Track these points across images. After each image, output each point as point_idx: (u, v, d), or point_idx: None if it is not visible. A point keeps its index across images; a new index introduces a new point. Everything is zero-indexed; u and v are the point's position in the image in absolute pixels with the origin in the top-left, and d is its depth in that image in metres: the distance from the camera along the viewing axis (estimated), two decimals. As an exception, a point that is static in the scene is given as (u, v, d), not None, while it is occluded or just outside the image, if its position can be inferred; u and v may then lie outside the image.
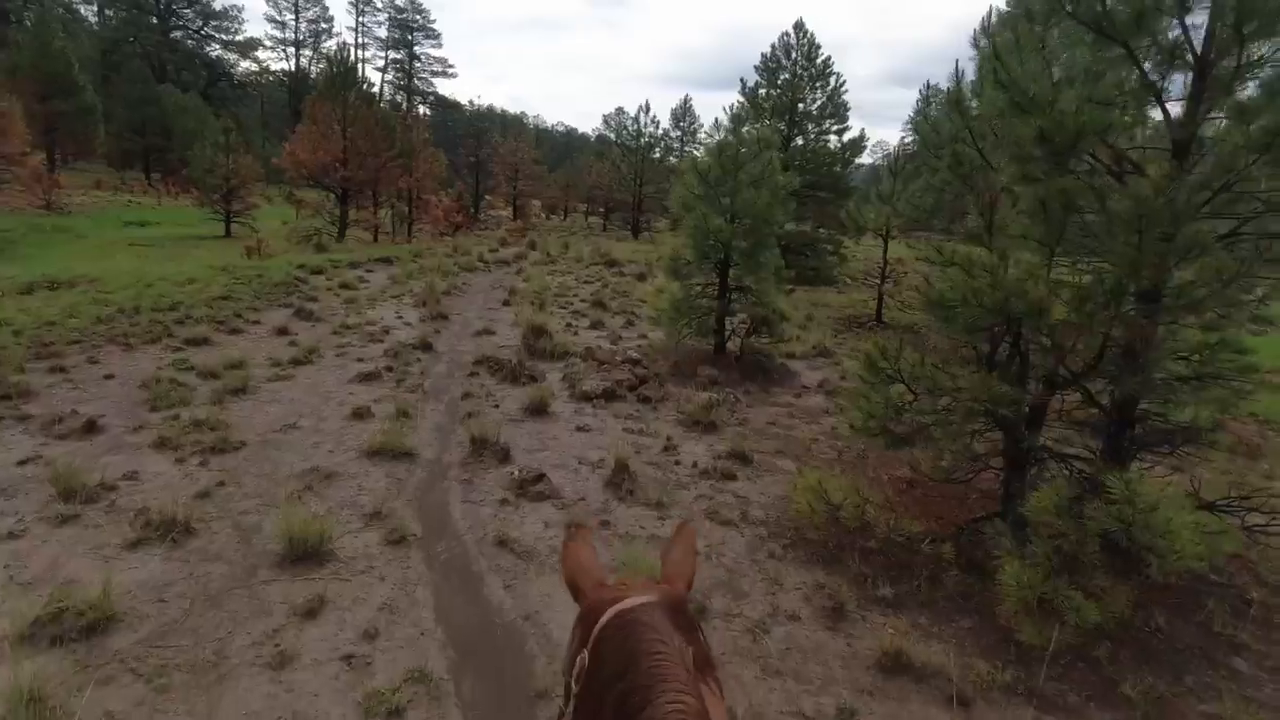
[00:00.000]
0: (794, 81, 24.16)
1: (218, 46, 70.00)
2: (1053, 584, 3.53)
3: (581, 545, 1.17)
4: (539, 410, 7.35)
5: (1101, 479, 3.71)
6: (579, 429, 7.03)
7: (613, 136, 53.42)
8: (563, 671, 1.02)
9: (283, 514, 4.33)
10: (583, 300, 15.13)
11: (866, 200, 15.68)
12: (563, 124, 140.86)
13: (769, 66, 24.77)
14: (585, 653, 0.93)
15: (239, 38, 70.54)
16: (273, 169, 31.84)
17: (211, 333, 9.10)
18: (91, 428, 5.81)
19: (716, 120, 25.23)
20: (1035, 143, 4.50)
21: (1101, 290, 4.10)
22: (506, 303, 14.24)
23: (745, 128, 9.75)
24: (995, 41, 4.73)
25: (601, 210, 49.35)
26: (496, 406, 7.53)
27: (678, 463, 6.39)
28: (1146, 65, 4.56)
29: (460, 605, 3.94)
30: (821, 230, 23.57)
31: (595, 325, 12.25)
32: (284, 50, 79.62)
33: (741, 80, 25.08)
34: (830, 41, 23.86)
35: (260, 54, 77.95)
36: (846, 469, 6.61)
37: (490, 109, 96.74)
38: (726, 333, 10.24)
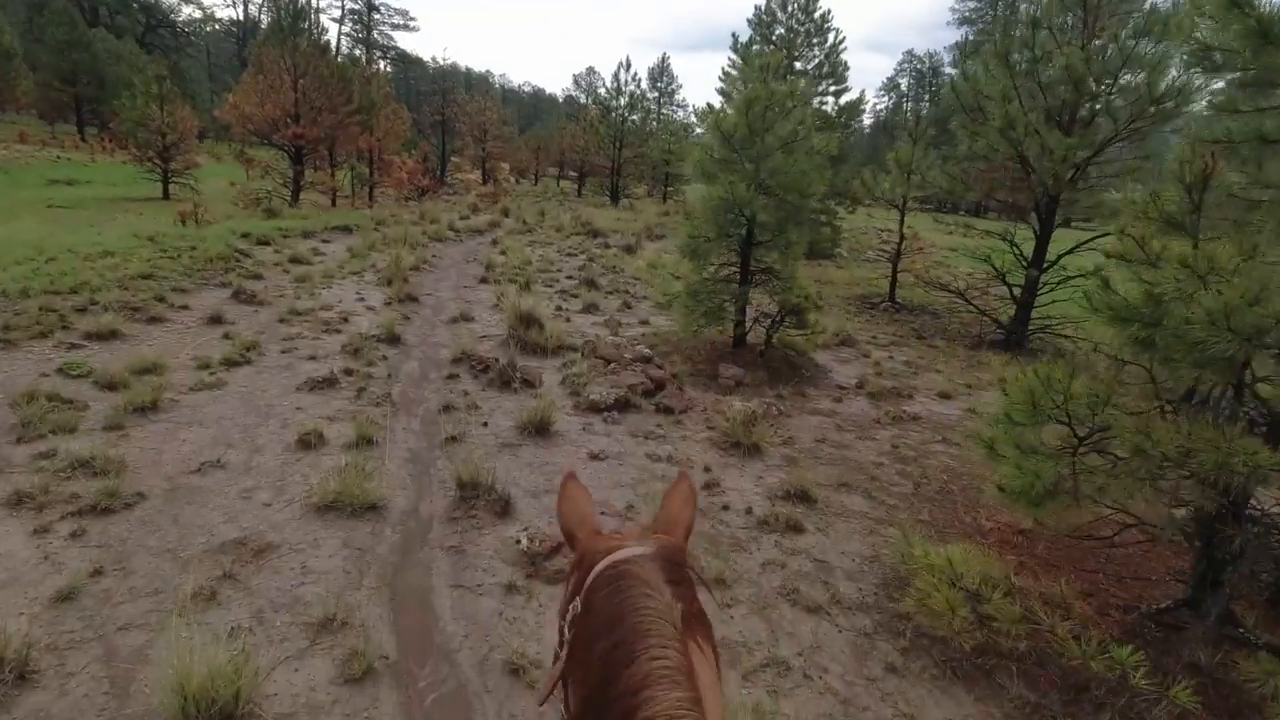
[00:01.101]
0: (789, 37, 22.43)
1: (156, -11, 64.64)
2: None
3: (580, 490, 1.14)
4: (540, 430, 5.84)
5: None
6: (593, 456, 5.55)
7: (583, 98, 50.52)
8: (559, 615, 0.99)
9: (177, 643, 2.79)
10: (569, 277, 13.50)
11: (883, 168, 14.25)
12: (529, 84, 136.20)
13: (763, 20, 22.99)
14: (578, 600, 0.90)
15: (180, -20, 65.19)
16: (221, 125, 29.11)
17: (123, 323, 7.31)
18: (-82, 477, 4.14)
19: (739, 64, 23.01)
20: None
21: None
22: (484, 280, 12.55)
23: (776, 78, 8.09)
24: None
25: (574, 175, 47.09)
26: (485, 424, 5.99)
27: (726, 507, 4.97)
28: None
29: (462, 811, 2.49)
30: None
31: (589, 309, 10.69)
32: (230, -4, 74.24)
33: (733, 35, 23.30)
34: None
35: (205, 0, 72.75)
36: (935, 510, 5.28)
37: (454, 66, 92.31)
38: (748, 323, 8.79)
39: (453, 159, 46.51)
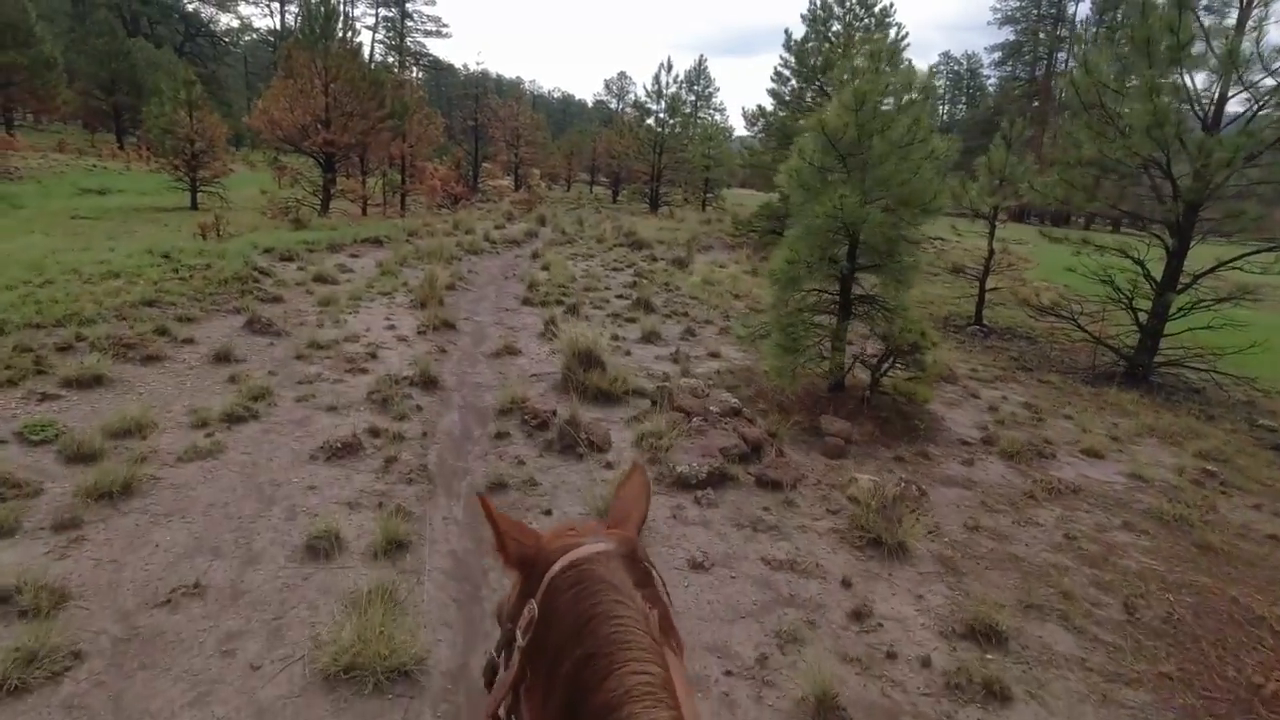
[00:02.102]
0: (848, 33, 20.91)
1: (195, -1, 65.26)
2: None
3: (493, 509, 0.94)
4: (620, 522, 4.48)
5: None
6: (694, 565, 4.17)
7: (614, 102, 49.60)
8: (503, 618, 0.94)
9: None
10: (619, 297, 12.18)
11: (971, 175, 12.67)
12: (559, 89, 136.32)
13: (817, 16, 21.52)
14: (534, 603, 0.84)
15: (218, -10, 65.75)
16: (254, 132, 28.47)
17: (110, 365, 6.12)
18: None
19: (844, 47, 21.01)
20: None
21: None
22: (527, 300, 11.29)
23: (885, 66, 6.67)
24: None
25: (606, 180, 45.91)
26: (549, 512, 4.65)
27: (892, 655, 3.54)
28: None
29: None
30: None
31: (649, 338, 9.32)
32: (268, 6, 74.86)
33: (786, 32, 21.86)
34: None
35: (243, 9, 73.63)
36: (1176, 654, 3.79)
37: (485, 73, 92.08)
38: (847, 362, 7.34)
39: (484, 165, 45.70)
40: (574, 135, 56.98)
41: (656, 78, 35.35)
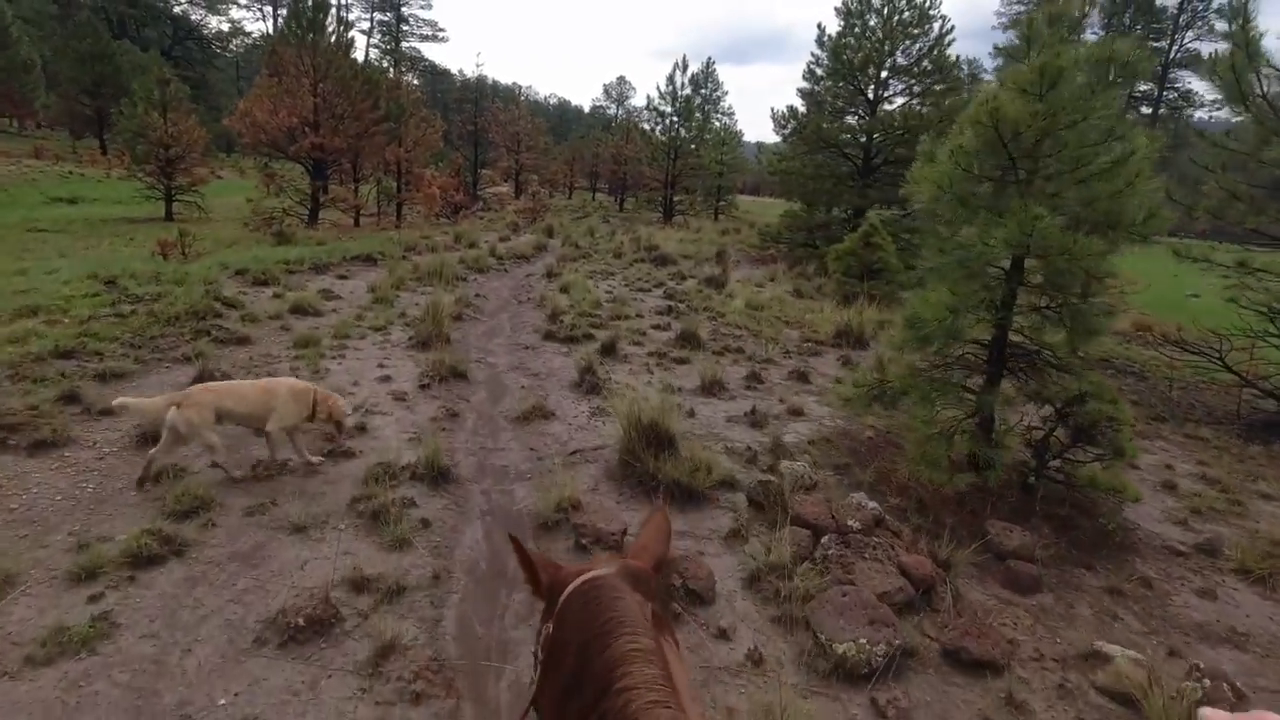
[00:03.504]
0: (889, 26, 19.16)
1: (184, 1, 63.39)
2: None
3: (523, 548, 1.07)
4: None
5: None
6: None
7: (613, 108, 47.87)
8: (535, 647, 1.03)
9: None
10: (656, 326, 10.29)
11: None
12: (555, 95, 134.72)
13: (852, 10, 19.75)
14: (550, 623, 0.95)
15: (208, -8, 63.87)
16: (237, 135, 26.53)
17: (-22, 460, 4.24)
18: None
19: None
20: None
21: None
22: (549, 334, 9.38)
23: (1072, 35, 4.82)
24: None
25: (607, 187, 44.03)
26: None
27: None
28: None
29: None
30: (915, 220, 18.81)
31: (710, 389, 7.41)
32: (260, 9, 72.97)
33: (819, 26, 20.05)
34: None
35: (234, 13, 71.88)
36: None
37: (482, 79, 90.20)
38: (998, 441, 5.45)
39: (482, 171, 43.88)
40: (576, 141, 55.26)
41: (670, 79, 33.56)
